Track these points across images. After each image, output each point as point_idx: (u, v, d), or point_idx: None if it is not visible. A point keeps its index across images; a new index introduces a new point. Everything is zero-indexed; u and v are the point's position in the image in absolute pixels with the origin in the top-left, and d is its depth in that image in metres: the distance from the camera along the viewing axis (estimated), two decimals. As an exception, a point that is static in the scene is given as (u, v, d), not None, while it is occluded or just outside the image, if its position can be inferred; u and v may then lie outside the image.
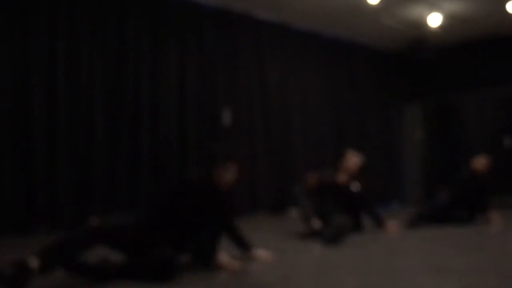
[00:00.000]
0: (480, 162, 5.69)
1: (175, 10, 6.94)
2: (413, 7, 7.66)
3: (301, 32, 8.46)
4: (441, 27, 7.98)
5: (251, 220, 6.58)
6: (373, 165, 9.29)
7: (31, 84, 5.62)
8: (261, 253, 3.43)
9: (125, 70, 6.37)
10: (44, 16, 5.77)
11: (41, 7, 5.75)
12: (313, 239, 4.45)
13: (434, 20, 7.76)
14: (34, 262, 2.54)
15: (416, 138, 10.04)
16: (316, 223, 4.72)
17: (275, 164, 7.72)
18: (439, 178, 9.06)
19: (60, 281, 2.73)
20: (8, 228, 5.31)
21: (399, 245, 4.12)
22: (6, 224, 5.31)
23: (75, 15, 6.00)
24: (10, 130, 5.46)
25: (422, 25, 7.99)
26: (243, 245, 3.45)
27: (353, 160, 5.22)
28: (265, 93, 7.87)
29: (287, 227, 5.54)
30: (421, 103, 10.07)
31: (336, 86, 9.00)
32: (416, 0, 7.42)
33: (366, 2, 7.10)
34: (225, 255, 3.08)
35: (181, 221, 3.06)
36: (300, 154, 8.14)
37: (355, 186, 5.16)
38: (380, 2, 7.10)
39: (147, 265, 2.86)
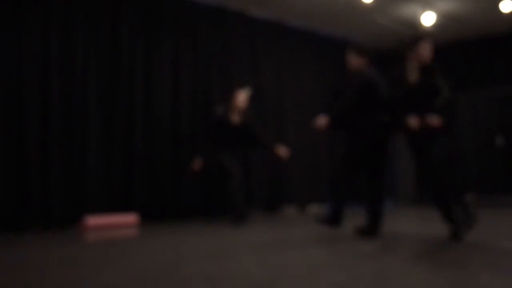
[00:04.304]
0: None
1: (169, 8, 6.93)
2: (407, 6, 7.68)
3: (295, 30, 8.47)
4: (434, 26, 8.01)
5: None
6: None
7: (24, 83, 5.62)
8: None
9: (119, 68, 6.37)
10: (38, 14, 5.76)
11: (35, 5, 5.75)
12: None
13: (428, 19, 7.79)
14: None
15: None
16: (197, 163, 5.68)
17: (269, 161, 7.72)
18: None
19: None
20: (1, 226, 5.31)
21: (389, 242, 4.14)
22: (-2, 221, 5.31)
23: (69, 14, 6.00)
24: (2, 129, 5.45)
25: (416, 24, 8.02)
26: None
27: (241, 97, 5.73)
28: (259, 91, 7.88)
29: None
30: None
31: (330, 84, 9.00)
32: (409, -1, 7.45)
33: (360, 1, 7.11)
34: None
35: None
36: (294, 152, 8.15)
37: (245, 121, 5.72)
38: (374, 1, 7.12)
39: None
